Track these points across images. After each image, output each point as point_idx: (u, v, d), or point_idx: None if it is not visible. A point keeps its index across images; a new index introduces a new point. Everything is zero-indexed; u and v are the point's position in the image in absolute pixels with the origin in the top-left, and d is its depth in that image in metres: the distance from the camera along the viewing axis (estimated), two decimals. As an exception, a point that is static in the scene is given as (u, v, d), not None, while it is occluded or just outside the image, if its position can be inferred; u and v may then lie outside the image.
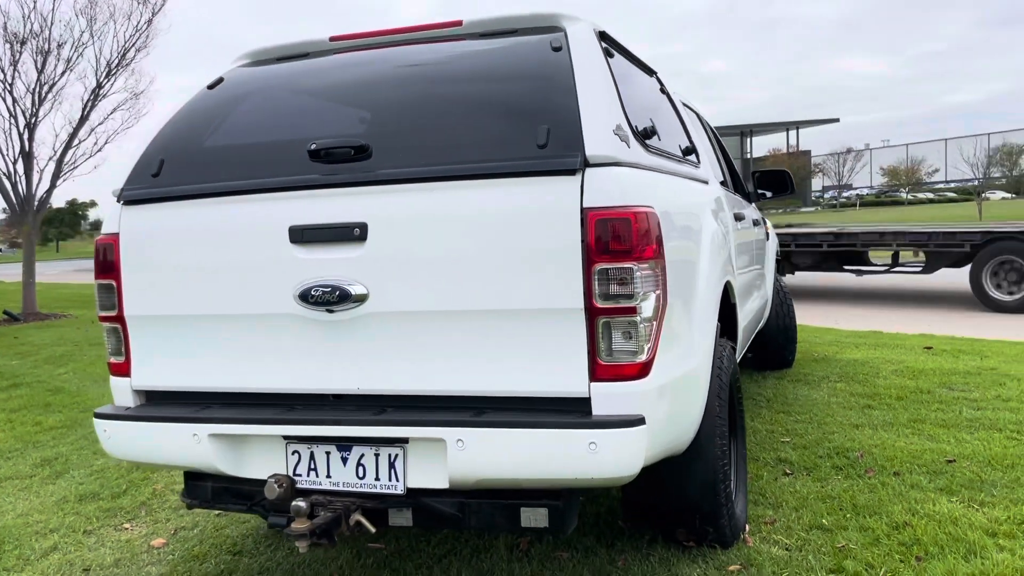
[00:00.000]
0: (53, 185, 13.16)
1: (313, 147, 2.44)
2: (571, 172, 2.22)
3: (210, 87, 2.96)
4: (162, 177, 2.65)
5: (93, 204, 53.07)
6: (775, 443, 4.34)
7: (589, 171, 2.23)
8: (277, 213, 2.47)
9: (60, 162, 13.17)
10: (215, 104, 2.87)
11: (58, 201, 49.24)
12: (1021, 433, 4.31)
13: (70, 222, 52.29)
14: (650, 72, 3.56)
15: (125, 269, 2.67)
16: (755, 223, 4.96)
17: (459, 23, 2.86)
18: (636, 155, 2.43)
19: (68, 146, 13.19)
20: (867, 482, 3.68)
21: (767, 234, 5.65)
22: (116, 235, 2.68)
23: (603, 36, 2.81)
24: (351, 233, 2.38)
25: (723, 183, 4.27)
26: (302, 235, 2.43)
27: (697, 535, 2.98)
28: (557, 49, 2.53)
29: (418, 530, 3.37)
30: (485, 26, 2.83)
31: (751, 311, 4.42)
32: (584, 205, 2.21)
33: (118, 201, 2.72)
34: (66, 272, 31.05)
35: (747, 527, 3.21)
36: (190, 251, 2.59)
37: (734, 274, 3.53)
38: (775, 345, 6.09)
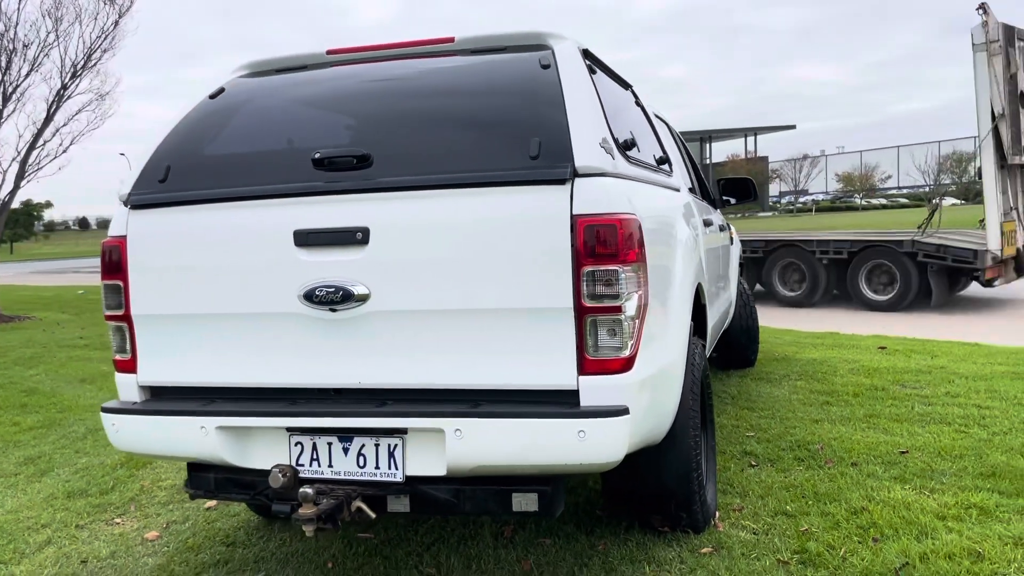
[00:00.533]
0: (17, 187, 13.01)
1: (317, 156, 2.59)
2: (561, 182, 2.41)
3: (212, 96, 3.09)
4: (169, 182, 2.78)
5: (49, 205, 52.04)
6: (740, 437, 4.57)
7: (578, 181, 2.42)
8: (282, 218, 2.61)
9: (24, 163, 13.03)
10: (218, 113, 3.01)
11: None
12: (968, 427, 4.60)
13: (24, 223, 51.21)
14: (626, 86, 3.77)
15: (132, 270, 2.79)
16: (721, 228, 5.20)
17: (451, 40, 3.03)
18: (619, 166, 2.63)
19: (32, 147, 13.05)
20: (827, 472, 3.92)
21: (731, 239, 5.91)
22: (124, 238, 2.80)
23: (586, 54, 3.01)
24: (353, 237, 2.54)
25: (692, 190, 4.49)
26: (307, 239, 2.58)
27: (672, 521, 3.18)
28: (546, 67, 2.72)
29: (406, 519, 3.53)
30: (476, 43, 3.01)
31: (718, 311, 4.65)
32: (574, 212, 2.40)
33: (125, 205, 2.84)
34: (23, 274, 30.47)
35: (717, 514, 3.43)
36: (197, 253, 2.72)
37: (704, 276, 3.75)
38: (739, 345, 6.35)
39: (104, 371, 7.55)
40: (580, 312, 2.40)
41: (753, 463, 4.12)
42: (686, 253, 3.24)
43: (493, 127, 2.63)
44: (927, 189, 47.88)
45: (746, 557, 3.05)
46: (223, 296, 2.70)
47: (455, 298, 2.49)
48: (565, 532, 3.36)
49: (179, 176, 2.79)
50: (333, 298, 2.54)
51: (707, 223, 4.40)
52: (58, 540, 3.58)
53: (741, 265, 6.59)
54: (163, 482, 4.25)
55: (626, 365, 2.43)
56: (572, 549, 3.20)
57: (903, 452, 4.17)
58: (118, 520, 3.79)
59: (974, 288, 11.07)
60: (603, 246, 2.39)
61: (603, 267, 2.39)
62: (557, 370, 2.43)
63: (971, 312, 9.90)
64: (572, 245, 2.39)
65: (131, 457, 4.51)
